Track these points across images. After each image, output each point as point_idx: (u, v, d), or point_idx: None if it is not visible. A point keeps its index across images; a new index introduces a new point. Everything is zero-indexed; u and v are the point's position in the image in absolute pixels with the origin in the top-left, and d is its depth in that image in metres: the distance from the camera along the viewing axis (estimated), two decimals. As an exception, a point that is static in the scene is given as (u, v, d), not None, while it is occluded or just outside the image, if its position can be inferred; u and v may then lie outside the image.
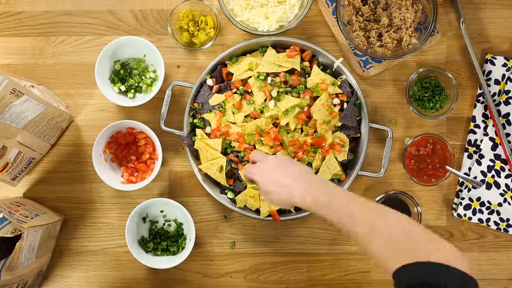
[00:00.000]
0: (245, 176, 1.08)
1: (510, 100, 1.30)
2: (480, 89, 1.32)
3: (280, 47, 1.28)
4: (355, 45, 1.25)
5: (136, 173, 1.31)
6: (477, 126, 1.32)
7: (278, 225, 1.33)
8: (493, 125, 1.30)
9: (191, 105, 1.27)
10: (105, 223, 1.34)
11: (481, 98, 1.32)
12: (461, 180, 1.32)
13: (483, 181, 1.30)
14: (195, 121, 1.27)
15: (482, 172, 1.30)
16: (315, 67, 1.26)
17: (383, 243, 0.89)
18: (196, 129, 1.27)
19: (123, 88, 1.31)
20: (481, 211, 1.30)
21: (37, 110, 1.19)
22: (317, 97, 1.24)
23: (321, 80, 1.24)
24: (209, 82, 1.26)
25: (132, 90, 1.31)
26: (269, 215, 1.24)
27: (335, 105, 1.24)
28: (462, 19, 1.30)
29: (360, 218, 0.93)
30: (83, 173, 1.34)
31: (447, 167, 1.27)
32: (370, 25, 1.28)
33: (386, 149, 1.26)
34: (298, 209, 1.26)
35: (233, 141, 1.23)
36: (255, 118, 1.23)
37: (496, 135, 1.29)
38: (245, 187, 1.24)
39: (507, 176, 1.30)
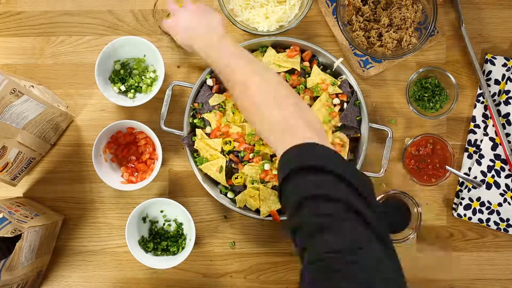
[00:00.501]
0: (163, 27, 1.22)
1: (510, 100, 1.30)
2: (480, 89, 1.32)
3: (280, 47, 1.28)
4: (355, 45, 1.25)
5: (136, 173, 1.31)
6: (477, 126, 1.32)
7: (278, 225, 1.33)
8: (493, 125, 1.30)
9: (191, 105, 1.27)
10: (105, 223, 1.34)
11: (481, 98, 1.32)
12: (461, 180, 1.32)
13: (483, 181, 1.30)
14: (195, 121, 1.27)
15: (482, 172, 1.30)
16: (315, 67, 1.26)
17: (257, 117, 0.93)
18: (196, 129, 1.27)
19: (123, 88, 1.31)
20: (481, 211, 1.30)
21: (37, 110, 1.19)
22: (317, 97, 1.24)
23: (321, 80, 1.24)
24: (209, 82, 1.26)
25: (132, 90, 1.31)
26: (269, 215, 1.24)
27: (335, 105, 1.24)
28: (462, 19, 1.30)
29: (237, 74, 0.97)
30: (83, 173, 1.34)
31: (447, 167, 1.27)
32: (370, 25, 1.28)
33: (386, 149, 1.26)
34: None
35: (233, 141, 1.23)
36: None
37: (496, 135, 1.29)
38: (245, 187, 1.24)
39: (507, 176, 1.30)
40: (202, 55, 1.08)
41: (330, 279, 0.68)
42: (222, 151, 1.24)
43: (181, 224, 1.32)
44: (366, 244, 0.72)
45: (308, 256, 0.74)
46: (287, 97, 0.93)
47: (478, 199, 1.30)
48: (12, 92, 1.09)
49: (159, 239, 1.31)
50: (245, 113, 0.98)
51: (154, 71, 1.32)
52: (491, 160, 1.30)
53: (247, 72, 0.97)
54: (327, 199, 0.76)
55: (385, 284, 0.69)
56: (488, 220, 1.30)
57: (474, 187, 1.29)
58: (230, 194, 1.26)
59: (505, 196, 1.30)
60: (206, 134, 1.25)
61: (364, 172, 1.26)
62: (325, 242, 0.73)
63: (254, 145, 1.23)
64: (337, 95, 1.25)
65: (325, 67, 1.28)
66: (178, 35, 1.16)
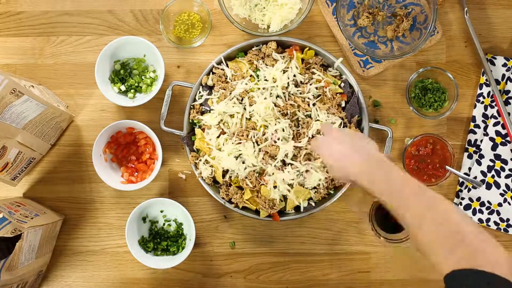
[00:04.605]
0: (311, 148, 1.06)
1: (510, 100, 1.30)
2: (480, 89, 1.32)
3: (280, 47, 1.28)
4: (355, 45, 1.25)
5: (136, 173, 1.31)
6: (477, 126, 1.32)
7: (278, 225, 1.33)
8: (493, 125, 1.30)
9: (191, 105, 1.27)
10: (105, 223, 1.34)
11: (481, 98, 1.32)
12: (461, 180, 1.32)
13: (483, 181, 1.30)
14: (195, 121, 1.27)
15: (482, 172, 1.30)
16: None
17: (433, 237, 0.84)
18: (196, 129, 1.27)
19: (123, 88, 1.31)
20: (481, 211, 1.30)
21: (37, 110, 1.19)
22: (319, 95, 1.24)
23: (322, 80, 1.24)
24: (209, 82, 1.26)
25: (132, 90, 1.31)
26: (269, 216, 1.24)
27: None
28: (466, 9, 1.30)
29: (411, 206, 0.87)
30: (83, 173, 1.34)
31: (447, 167, 1.27)
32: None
33: (386, 149, 1.26)
34: (298, 210, 1.25)
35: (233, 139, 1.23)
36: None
37: (503, 128, 1.29)
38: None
39: (507, 176, 1.30)
40: (362, 182, 0.95)
41: None
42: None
43: (181, 224, 1.32)
44: None
45: None
46: (470, 235, 0.83)
47: (478, 199, 1.30)
48: (12, 92, 1.09)
49: (159, 239, 1.31)
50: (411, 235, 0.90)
51: (154, 71, 1.32)
52: (491, 160, 1.30)
53: (422, 214, 0.87)
54: None
55: None
56: (488, 220, 1.30)
57: (474, 187, 1.29)
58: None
59: (505, 196, 1.30)
60: (206, 134, 1.25)
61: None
62: None
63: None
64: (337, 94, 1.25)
65: (325, 67, 1.28)
66: (332, 158, 1.01)
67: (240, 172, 1.21)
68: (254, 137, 1.21)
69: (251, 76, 1.24)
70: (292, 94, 1.23)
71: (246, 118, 1.22)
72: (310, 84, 1.23)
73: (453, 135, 1.33)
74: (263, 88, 1.22)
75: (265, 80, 1.23)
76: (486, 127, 1.31)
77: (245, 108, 1.23)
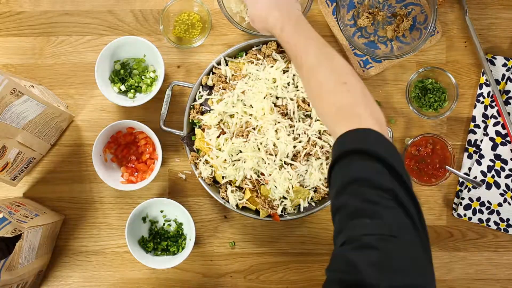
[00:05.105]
0: None
1: (510, 100, 1.30)
2: (480, 89, 1.32)
3: (280, 47, 1.28)
4: (355, 45, 1.25)
5: (136, 173, 1.31)
6: (477, 126, 1.32)
7: (278, 225, 1.33)
8: (493, 125, 1.30)
9: (191, 105, 1.27)
10: (105, 223, 1.34)
11: (481, 98, 1.32)
12: (461, 180, 1.32)
13: (483, 181, 1.30)
14: (195, 121, 1.27)
15: (482, 172, 1.30)
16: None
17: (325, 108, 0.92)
18: (196, 129, 1.27)
19: (123, 88, 1.31)
20: (481, 211, 1.30)
21: (37, 110, 1.19)
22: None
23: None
24: (209, 82, 1.26)
25: (132, 90, 1.31)
26: (269, 216, 1.24)
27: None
28: (466, 9, 1.30)
29: (309, 55, 0.96)
30: (83, 173, 1.34)
31: (447, 167, 1.27)
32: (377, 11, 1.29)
33: (386, 149, 1.25)
34: (298, 210, 1.25)
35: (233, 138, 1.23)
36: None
37: (503, 128, 1.29)
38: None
39: (507, 176, 1.30)
40: (275, 30, 1.05)
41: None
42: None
43: (181, 224, 1.32)
44: (404, 233, 0.73)
45: (342, 236, 0.75)
46: (355, 85, 0.92)
47: (478, 199, 1.30)
48: (12, 92, 1.09)
49: (159, 239, 1.31)
50: (309, 93, 1.00)
51: (154, 71, 1.32)
52: (491, 160, 1.30)
53: (318, 56, 0.96)
54: (374, 186, 0.77)
55: (417, 269, 0.71)
56: (488, 220, 1.30)
57: (474, 187, 1.29)
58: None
59: (505, 196, 1.30)
60: (206, 133, 1.25)
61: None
62: (364, 226, 0.74)
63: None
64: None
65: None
66: (258, 4, 1.10)
67: (239, 177, 1.22)
68: (254, 135, 1.21)
69: (250, 76, 1.24)
70: (293, 94, 1.23)
71: (246, 113, 1.22)
72: None
73: (453, 135, 1.33)
74: (263, 88, 1.22)
75: (265, 80, 1.23)
76: (486, 127, 1.31)
77: (245, 108, 1.23)
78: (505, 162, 1.30)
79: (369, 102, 0.91)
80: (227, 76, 1.26)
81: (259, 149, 1.21)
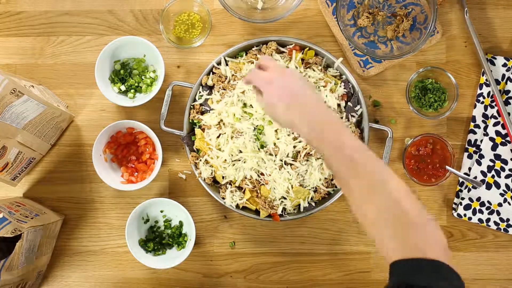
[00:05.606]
0: (248, 79, 0.99)
1: (510, 100, 1.30)
2: (480, 89, 1.32)
3: (280, 47, 1.28)
4: (355, 45, 1.25)
5: (136, 173, 1.31)
6: (477, 126, 1.32)
7: (278, 225, 1.33)
8: (493, 125, 1.30)
9: (191, 105, 1.27)
10: (105, 223, 1.34)
11: (481, 98, 1.32)
12: (461, 180, 1.32)
13: (483, 181, 1.30)
14: (195, 121, 1.27)
15: (482, 172, 1.30)
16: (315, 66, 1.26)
17: (375, 217, 0.84)
18: (196, 129, 1.27)
19: (123, 88, 1.31)
20: (481, 211, 1.30)
21: (37, 110, 1.19)
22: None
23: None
24: (209, 82, 1.26)
25: (132, 90, 1.31)
26: (269, 216, 1.24)
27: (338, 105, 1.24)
28: (466, 9, 1.30)
29: (361, 172, 0.86)
30: (83, 173, 1.34)
31: (447, 167, 1.27)
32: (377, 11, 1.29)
33: (386, 149, 1.26)
34: (298, 210, 1.25)
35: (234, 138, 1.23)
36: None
37: (503, 128, 1.29)
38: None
39: (507, 176, 1.30)
40: (306, 130, 0.93)
41: None
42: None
43: (181, 224, 1.32)
44: None
45: None
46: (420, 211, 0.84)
47: (478, 199, 1.30)
48: (12, 92, 1.09)
49: (159, 239, 1.31)
50: (349, 199, 0.89)
51: (154, 71, 1.32)
52: (491, 160, 1.30)
53: (380, 173, 0.87)
54: None
55: None
56: (488, 220, 1.30)
57: (474, 187, 1.29)
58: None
59: (505, 196, 1.30)
60: (206, 133, 1.25)
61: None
62: None
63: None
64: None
65: (325, 67, 1.28)
66: (278, 111, 0.96)
67: (239, 178, 1.22)
68: (254, 136, 1.21)
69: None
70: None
71: (246, 113, 1.22)
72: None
73: (453, 135, 1.33)
74: None
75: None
76: (486, 127, 1.31)
77: (245, 108, 1.23)
78: (505, 162, 1.30)
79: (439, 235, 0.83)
80: (227, 76, 1.26)
81: (259, 149, 1.21)
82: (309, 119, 0.93)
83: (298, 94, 0.95)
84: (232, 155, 1.23)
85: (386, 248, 0.83)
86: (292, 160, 1.21)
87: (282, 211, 1.24)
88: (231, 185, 1.24)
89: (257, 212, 1.25)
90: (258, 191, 1.23)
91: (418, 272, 0.78)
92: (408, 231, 0.81)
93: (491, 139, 1.30)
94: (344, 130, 0.92)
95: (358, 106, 1.25)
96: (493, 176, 1.30)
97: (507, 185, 1.30)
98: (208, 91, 1.27)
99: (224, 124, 1.24)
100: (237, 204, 1.24)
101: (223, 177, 1.23)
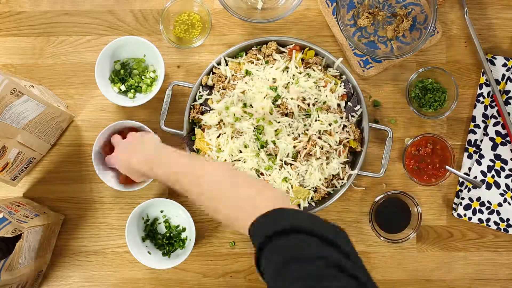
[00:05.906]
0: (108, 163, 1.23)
1: (510, 100, 1.30)
2: (480, 89, 1.32)
3: (280, 47, 1.28)
4: (355, 45, 1.25)
5: (136, 173, 1.31)
6: (477, 126, 1.32)
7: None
8: (493, 125, 1.30)
9: (191, 105, 1.27)
10: (105, 223, 1.34)
11: (481, 98, 1.32)
12: (461, 180, 1.32)
13: (483, 181, 1.30)
14: (195, 121, 1.27)
15: (482, 172, 1.30)
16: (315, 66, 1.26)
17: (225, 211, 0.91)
18: (196, 129, 1.27)
19: (123, 88, 1.31)
20: (481, 211, 1.30)
21: (37, 110, 1.19)
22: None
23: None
24: (209, 82, 1.26)
25: (132, 90, 1.31)
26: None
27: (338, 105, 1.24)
28: (466, 9, 1.30)
29: (190, 168, 0.97)
30: (83, 173, 1.34)
31: (447, 167, 1.27)
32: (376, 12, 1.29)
33: (386, 149, 1.26)
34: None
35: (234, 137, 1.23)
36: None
37: (503, 128, 1.29)
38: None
39: (507, 176, 1.30)
40: (144, 168, 1.07)
41: None
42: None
43: (181, 224, 1.32)
44: None
45: None
46: (245, 178, 0.95)
47: (478, 199, 1.30)
48: (12, 92, 1.09)
49: (159, 239, 1.31)
50: (202, 201, 0.95)
51: (154, 71, 1.32)
52: (491, 160, 1.30)
53: (196, 165, 0.98)
54: (310, 259, 0.74)
55: None
56: (488, 220, 1.30)
57: (474, 187, 1.29)
58: None
59: (505, 196, 1.30)
60: (206, 133, 1.25)
61: (364, 172, 1.26)
62: None
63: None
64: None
65: (325, 67, 1.28)
66: (120, 161, 1.17)
67: None
68: (254, 136, 1.21)
69: (251, 76, 1.24)
70: (292, 94, 1.23)
71: (246, 113, 1.22)
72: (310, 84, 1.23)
73: (453, 135, 1.33)
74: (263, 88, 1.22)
75: (265, 80, 1.23)
76: (486, 127, 1.31)
77: (245, 108, 1.23)
78: (505, 162, 1.30)
79: (269, 190, 0.91)
80: (227, 76, 1.26)
81: (259, 149, 1.21)
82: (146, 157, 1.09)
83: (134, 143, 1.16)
84: (232, 155, 1.23)
85: (238, 224, 0.89)
86: (292, 160, 1.21)
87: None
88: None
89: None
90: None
91: (270, 225, 0.81)
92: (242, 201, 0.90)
93: (491, 139, 1.30)
94: (172, 157, 1.05)
95: (358, 106, 1.25)
96: (493, 176, 1.30)
97: (507, 185, 1.30)
98: (208, 91, 1.27)
99: (224, 124, 1.24)
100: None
101: None
